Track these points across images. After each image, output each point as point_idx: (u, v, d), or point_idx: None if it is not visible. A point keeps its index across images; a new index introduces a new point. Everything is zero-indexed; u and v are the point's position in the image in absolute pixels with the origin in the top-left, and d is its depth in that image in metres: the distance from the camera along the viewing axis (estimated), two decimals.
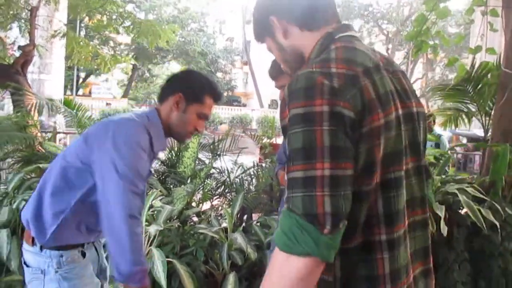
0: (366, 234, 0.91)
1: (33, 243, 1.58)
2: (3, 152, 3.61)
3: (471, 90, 4.23)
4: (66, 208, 1.54)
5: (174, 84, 1.71)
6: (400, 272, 0.94)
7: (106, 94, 30.19)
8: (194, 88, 1.68)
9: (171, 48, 28.17)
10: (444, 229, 2.71)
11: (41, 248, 1.56)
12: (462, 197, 2.90)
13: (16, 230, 2.69)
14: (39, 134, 3.98)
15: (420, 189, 1.03)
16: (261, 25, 1.11)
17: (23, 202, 2.76)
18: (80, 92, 32.73)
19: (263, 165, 3.74)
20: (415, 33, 5.04)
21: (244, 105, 32.82)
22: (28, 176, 3.18)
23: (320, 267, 0.84)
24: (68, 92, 27.31)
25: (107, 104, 26.37)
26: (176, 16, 28.89)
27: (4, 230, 2.58)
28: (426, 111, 1.12)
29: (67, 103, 3.72)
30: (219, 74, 33.75)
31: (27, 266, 1.61)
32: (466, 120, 5.20)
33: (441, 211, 2.80)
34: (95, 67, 7.91)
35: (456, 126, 5.37)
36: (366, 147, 0.88)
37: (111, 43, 27.86)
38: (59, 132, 4.10)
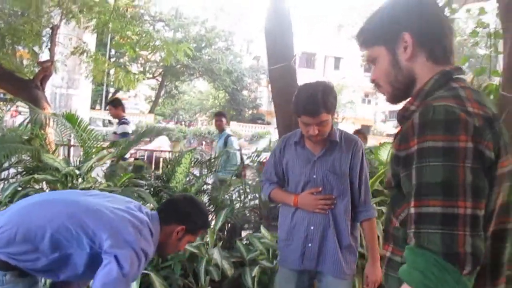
0: (475, 283, 0.85)
1: None
2: (8, 163, 3.80)
3: None
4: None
5: (182, 215, 1.94)
6: None
7: (133, 109, 30.94)
8: (197, 225, 1.97)
9: (198, 66, 28.78)
10: None
11: None
12: None
13: None
14: (50, 147, 4.17)
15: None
16: (384, 33, 1.07)
17: None
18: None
19: (250, 182, 3.78)
20: None
21: (268, 123, 32.92)
22: (25, 186, 3.32)
23: None
24: (98, 106, 28.19)
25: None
26: (203, 35, 29.52)
27: None
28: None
29: (69, 117, 3.88)
30: (244, 92, 34.10)
31: None
32: None
33: None
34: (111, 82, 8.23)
35: None
36: (495, 190, 0.87)
37: (141, 60, 28.64)
38: (63, 145, 4.25)
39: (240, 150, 5.43)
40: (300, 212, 2.10)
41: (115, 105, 5.80)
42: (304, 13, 40.62)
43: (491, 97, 4.23)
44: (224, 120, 5.76)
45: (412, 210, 0.86)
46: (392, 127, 44.62)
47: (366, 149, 4.16)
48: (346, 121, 35.01)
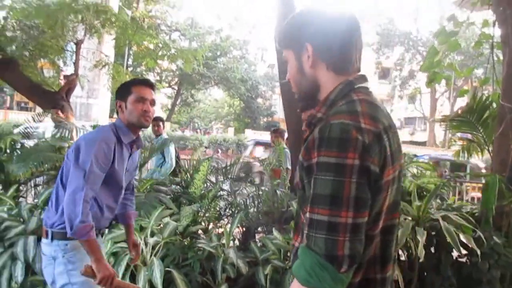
0: (366, 273, 1.04)
1: (46, 235, 2.02)
2: (40, 170, 4.13)
3: (474, 121, 4.37)
4: None
5: (116, 100, 2.17)
6: None
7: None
8: (122, 90, 2.15)
9: (213, 74, 29.22)
10: (421, 253, 2.88)
11: (52, 239, 1.99)
12: (443, 224, 3.06)
13: (41, 237, 3.12)
14: None
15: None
16: (292, 41, 1.17)
17: None
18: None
19: (263, 188, 4.03)
20: (428, 64, 5.26)
21: (284, 131, 33.13)
22: None
23: None
24: (115, 115, 28.76)
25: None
26: (218, 44, 30.00)
27: (32, 237, 3.02)
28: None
29: (95, 128, 4.20)
30: (259, 100, 34.39)
31: (44, 254, 2.06)
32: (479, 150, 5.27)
33: (421, 236, 2.98)
34: None
35: (470, 156, 5.45)
36: (379, 198, 1.01)
37: (157, 69, 29.19)
38: None
39: (177, 153, 5.96)
40: None
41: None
42: None
43: (494, 105, 4.43)
44: (161, 125, 6.14)
45: (307, 215, 0.99)
46: (408, 133, 44.38)
47: None
48: None
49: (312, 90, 1.16)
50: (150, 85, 2.17)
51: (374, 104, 1.08)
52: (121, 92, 2.15)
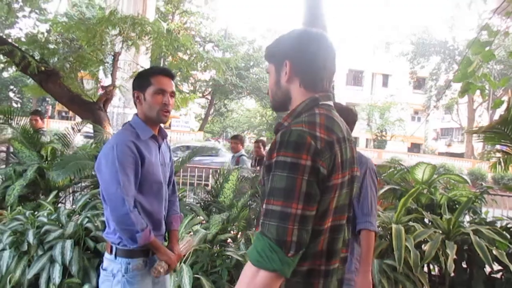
0: (311, 263, 1.18)
1: (110, 251, 1.99)
2: (79, 177, 4.32)
3: (509, 133, 4.25)
4: None
5: (135, 86, 2.06)
6: None
7: (184, 127, 32.00)
8: (140, 80, 2.04)
9: (246, 84, 29.53)
10: (451, 267, 2.83)
11: (115, 255, 1.97)
12: (474, 238, 3.00)
13: (79, 241, 3.27)
14: None
15: (348, 233, 1.32)
16: (274, 56, 1.33)
17: (86, 219, 3.37)
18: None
19: None
20: (461, 75, 5.17)
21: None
22: (93, 198, 3.80)
23: (279, 281, 1.10)
24: None
25: None
26: (251, 55, 30.32)
27: (69, 241, 3.16)
28: None
29: None
30: None
31: (103, 269, 2.01)
32: None
33: (451, 250, 2.93)
34: None
35: (507, 169, 5.28)
36: (327, 197, 1.15)
37: (191, 80, 29.76)
38: None
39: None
40: None
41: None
42: (350, 31, 40.52)
43: None
44: (39, 119, 6.33)
45: (264, 206, 1.13)
46: (444, 145, 43.19)
47: (403, 169, 4.32)
48: (395, 139, 34.37)
49: (284, 101, 1.33)
50: (170, 75, 2.06)
51: (332, 119, 1.23)
52: (140, 82, 2.03)
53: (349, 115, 2.31)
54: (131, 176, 1.91)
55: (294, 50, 1.28)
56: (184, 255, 2.52)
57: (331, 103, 1.29)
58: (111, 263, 1.98)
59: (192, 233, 3.39)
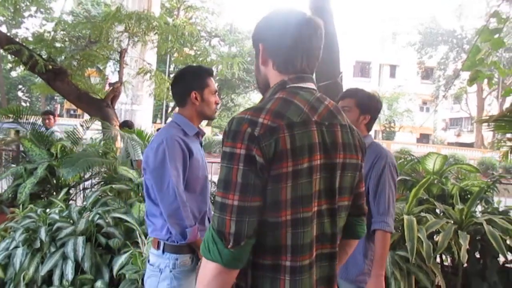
0: (274, 258, 1.11)
1: (158, 247, 2.01)
2: (89, 174, 4.35)
3: None
4: None
5: (185, 86, 2.13)
6: None
7: None
8: (197, 80, 2.13)
9: (252, 79, 29.47)
10: (464, 257, 2.81)
11: (163, 251, 1.99)
12: (487, 228, 2.96)
13: (90, 237, 3.29)
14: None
15: (331, 227, 1.19)
16: (253, 41, 1.29)
17: (97, 215, 3.38)
18: (169, 120, 35.14)
19: None
20: (470, 63, 5.11)
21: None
22: (104, 194, 3.82)
23: (227, 272, 1.05)
24: (158, 121, 29.59)
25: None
26: None
27: (81, 237, 3.19)
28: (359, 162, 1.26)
29: (139, 133, 4.37)
30: None
31: (150, 264, 2.03)
32: None
33: (464, 240, 2.90)
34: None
35: None
36: (275, 187, 1.07)
37: None
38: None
39: None
40: None
41: None
42: (356, 22, 40.21)
43: None
44: (52, 118, 6.80)
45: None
46: (453, 135, 42.84)
47: (413, 160, 4.29)
48: (403, 130, 34.16)
49: (265, 85, 1.28)
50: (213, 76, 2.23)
51: (290, 102, 1.14)
52: (197, 82, 2.13)
53: (371, 102, 2.22)
54: (180, 171, 1.97)
55: (264, 31, 1.24)
56: None
57: (305, 84, 1.20)
58: (158, 259, 2.00)
59: None
